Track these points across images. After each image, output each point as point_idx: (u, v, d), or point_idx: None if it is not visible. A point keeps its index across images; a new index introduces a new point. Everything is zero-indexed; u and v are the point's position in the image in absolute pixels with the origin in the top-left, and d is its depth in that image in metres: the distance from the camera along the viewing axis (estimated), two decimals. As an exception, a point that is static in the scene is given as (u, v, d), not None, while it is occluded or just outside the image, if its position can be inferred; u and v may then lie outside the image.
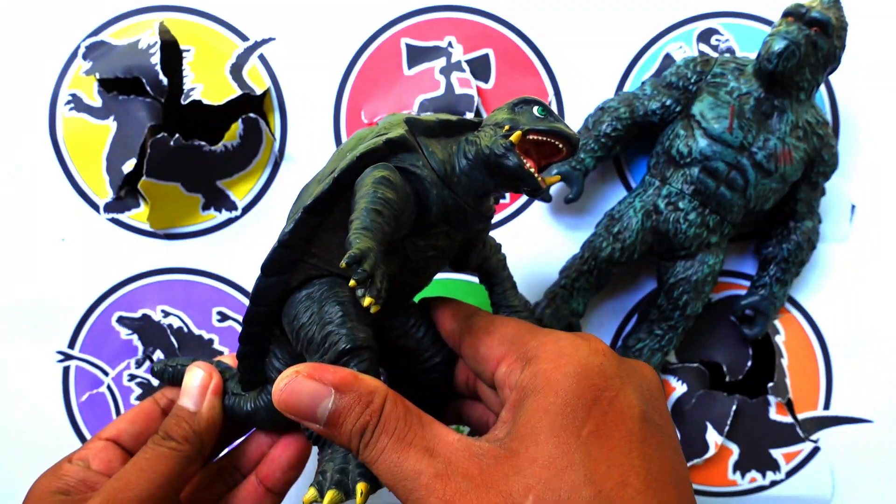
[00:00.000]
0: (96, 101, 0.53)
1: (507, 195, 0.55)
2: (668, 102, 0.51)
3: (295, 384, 0.31)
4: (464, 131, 0.37)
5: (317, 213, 0.34)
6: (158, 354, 0.55)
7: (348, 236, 0.30)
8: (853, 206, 0.55)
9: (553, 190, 0.53)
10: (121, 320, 0.55)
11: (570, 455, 0.29)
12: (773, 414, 0.55)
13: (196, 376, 0.41)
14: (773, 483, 0.55)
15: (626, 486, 0.28)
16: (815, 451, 0.55)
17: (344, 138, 0.55)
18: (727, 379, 0.55)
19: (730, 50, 0.55)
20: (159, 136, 0.51)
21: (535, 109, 0.36)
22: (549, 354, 0.32)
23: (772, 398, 0.55)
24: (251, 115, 0.53)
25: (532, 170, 0.34)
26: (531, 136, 0.35)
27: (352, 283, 0.29)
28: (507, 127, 0.35)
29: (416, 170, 0.35)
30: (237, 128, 0.53)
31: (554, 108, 0.55)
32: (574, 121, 0.55)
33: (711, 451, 0.54)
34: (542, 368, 0.31)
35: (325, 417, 0.31)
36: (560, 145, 0.35)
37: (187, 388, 0.41)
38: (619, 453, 0.29)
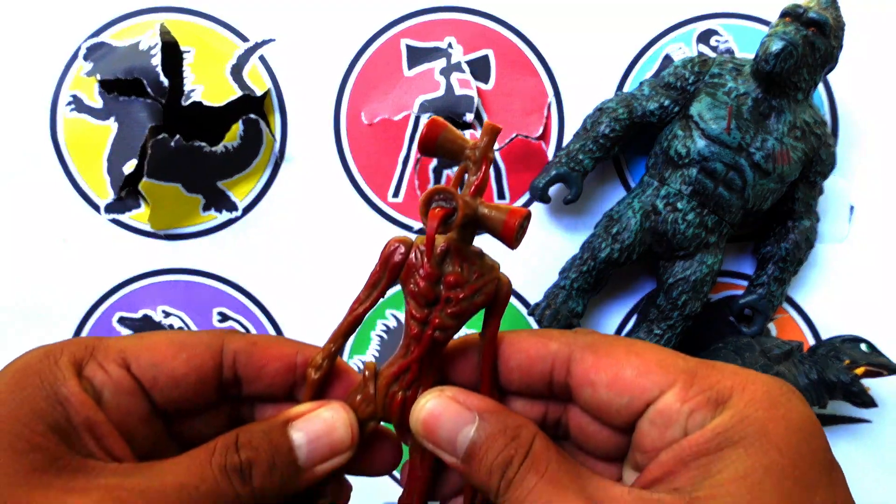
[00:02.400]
0: (97, 102, 0.54)
1: (508, 198, 0.55)
2: (667, 103, 0.51)
3: (437, 405, 0.28)
4: (792, 356, 0.51)
5: None
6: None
7: None
8: (852, 207, 0.56)
9: (552, 191, 0.54)
10: (122, 321, 0.55)
11: None
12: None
13: (336, 426, 0.29)
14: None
15: None
16: None
17: (344, 139, 0.55)
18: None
19: (729, 51, 0.55)
20: (160, 136, 0.51)
21: (863, 346, 0.50)
22: (754, 398, 0.26)
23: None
24: (252, 115, 0.53)
25: (869, 392, 0.50)
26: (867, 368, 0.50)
27: None
28: (847, 361, 0.49)
29: None
30: (238, 129, 0.53)
31: (554, 109, 0.55)
32: (573, 122, 0.55)
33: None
34: (751, 415, 0.26)
35: (464, 447, 0.27)
36: (885, 372, 0.50)
37: (315, 435, 0.29)
38: None
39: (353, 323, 0.31)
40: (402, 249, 0.29)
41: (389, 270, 0.29)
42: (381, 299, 0.30)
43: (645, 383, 0.27)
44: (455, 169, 0.54)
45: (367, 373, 0.30)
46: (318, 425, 0.28)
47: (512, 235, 0.28)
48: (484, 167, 0.29)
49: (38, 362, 0.27)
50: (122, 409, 0.27)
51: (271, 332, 0.55)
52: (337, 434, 0.28)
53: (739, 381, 0.27)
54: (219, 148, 0.53)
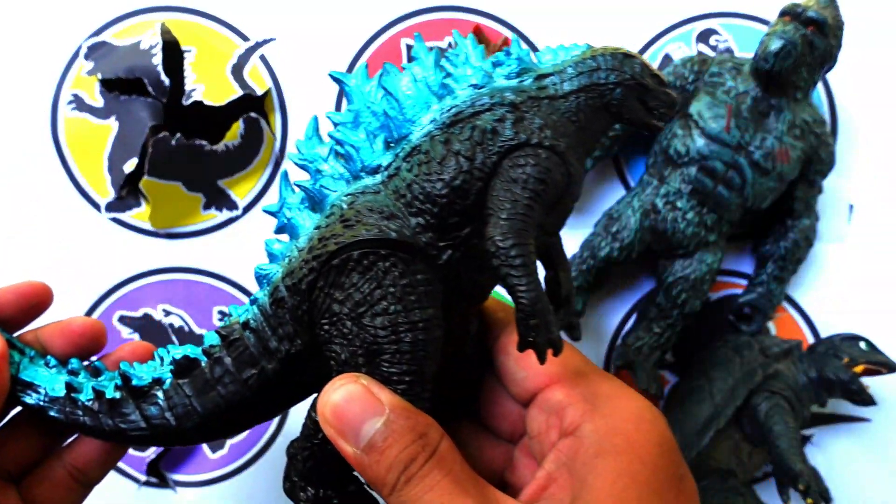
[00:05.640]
0: (98, 101, 0.54)
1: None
2: (667, 102, 0.51)
3: (353, 391, 0.27)
4: (791, 354, 0.52)
5: None
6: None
7: None
8: (851, 206, 0.56)
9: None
10: (122, 320, 0.55)
11: None
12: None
13: None
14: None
15: None
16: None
17: (344, 138, 0.55)
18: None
19: (728, 50, 0.55)
20: (161, 135, 0.51)
21: (862, 344, 0.51)
22: (625, 412, 0.30)
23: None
24: (252, 114, 0.53)
25: (868, 390, 0.50)
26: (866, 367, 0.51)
27: None
28: (846, 359, 0.50)
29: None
30: (238, 127, 0.53)
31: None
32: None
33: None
34: (620, 427, 0.29)
35: (368, 436, 0.26)
36: (884, 370, 0.50)
37: None
38: None
39: None
40: None
41: None
42: None
43: (538, 370, 0.32)
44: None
45: None
46: None
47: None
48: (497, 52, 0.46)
49: None
50: None
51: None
52: None
53: (613, 391, 0.31)
54: (220, 147, 0.53)
